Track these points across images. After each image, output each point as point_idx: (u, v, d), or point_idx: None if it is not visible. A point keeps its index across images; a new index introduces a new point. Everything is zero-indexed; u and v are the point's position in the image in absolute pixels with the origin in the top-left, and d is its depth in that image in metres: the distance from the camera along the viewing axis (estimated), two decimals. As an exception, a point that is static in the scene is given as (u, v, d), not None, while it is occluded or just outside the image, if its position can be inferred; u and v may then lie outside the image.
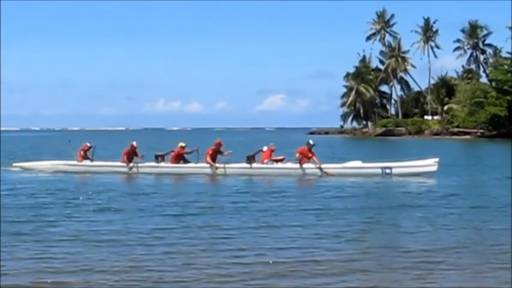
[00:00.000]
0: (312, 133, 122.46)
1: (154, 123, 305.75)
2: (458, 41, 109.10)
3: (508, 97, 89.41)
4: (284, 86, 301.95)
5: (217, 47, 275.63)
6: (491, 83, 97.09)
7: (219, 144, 27.05)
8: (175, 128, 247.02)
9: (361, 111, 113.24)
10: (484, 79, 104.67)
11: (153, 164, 27.33)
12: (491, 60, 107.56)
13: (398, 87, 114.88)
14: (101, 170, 27.44)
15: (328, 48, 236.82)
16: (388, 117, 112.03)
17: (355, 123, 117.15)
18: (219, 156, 26.94)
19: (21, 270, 10.00)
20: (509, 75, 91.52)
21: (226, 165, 26.60)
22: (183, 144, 27.50)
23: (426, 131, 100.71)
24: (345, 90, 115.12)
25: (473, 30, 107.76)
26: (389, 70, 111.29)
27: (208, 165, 26.55)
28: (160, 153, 27.70)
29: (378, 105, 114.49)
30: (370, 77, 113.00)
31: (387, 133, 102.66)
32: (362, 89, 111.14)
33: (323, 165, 26.06)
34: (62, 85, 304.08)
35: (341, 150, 51.21)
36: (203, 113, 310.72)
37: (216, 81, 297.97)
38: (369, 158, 28.68)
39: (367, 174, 25.46)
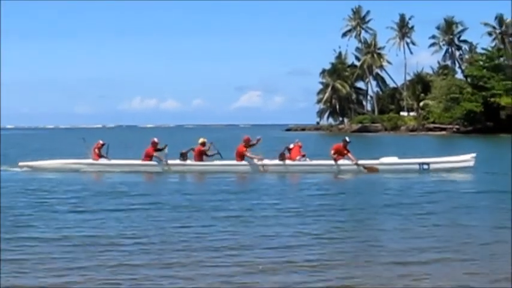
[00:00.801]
0: (288, 130, 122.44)
1: (130, 121, 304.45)
2: (433, 37, 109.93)
3: (484, 93, 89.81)
4: (260, 83, 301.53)
5: (194, 44, 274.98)
6: (466, 79, 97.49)
7: (249, 140, 26.35)
8: (149, 126, 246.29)
9: (337, 107, 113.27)
10: (459, 75, 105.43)
11: (179, 162, 26.18)
12: (466, 56, 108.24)
13: (374, 83, 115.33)
14: (120, 169, 25.87)
15: (304, 45, 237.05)
16: (364, 114, 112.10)
17: (331, 120, 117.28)
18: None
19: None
20: (484, 71, 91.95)
21: (262, 162, 25.86)
22: (204, 140, 26.46)
23: (402, 127, 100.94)
24: (321, 86, 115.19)
25: (448, 27, 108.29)
26: (365, 66, 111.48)
27: (237, 163, 25.88)
28: (184, 151, 26.37)
29: (354, 102, 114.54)
30: (346, 73, 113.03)
31: (363, 129, 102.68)
32: (338, 85, 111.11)
33: (359, 162, 25.70)
34: (36, 83, 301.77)
35: (319, 147, 50.75)
36: (179, 110, 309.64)
37: (192, 78, 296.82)
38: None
39: (404, 170, 25.22)
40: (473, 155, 25.86)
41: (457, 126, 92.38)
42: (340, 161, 25.67)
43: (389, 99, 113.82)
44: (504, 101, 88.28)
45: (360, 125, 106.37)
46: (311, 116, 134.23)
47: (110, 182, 22.67)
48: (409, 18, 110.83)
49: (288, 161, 25.83)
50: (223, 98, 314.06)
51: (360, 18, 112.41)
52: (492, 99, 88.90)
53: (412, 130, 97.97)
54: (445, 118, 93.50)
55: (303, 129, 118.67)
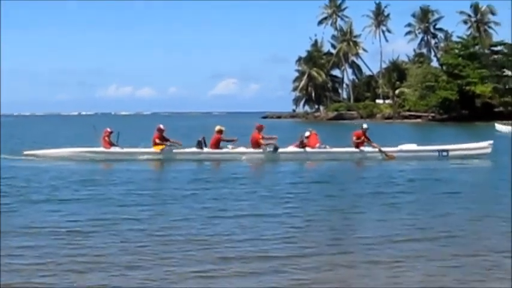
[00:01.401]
0: (264, 117, 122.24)
1: (106, 108, 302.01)
2: (409, 25, 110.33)
3: (459, 81, 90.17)
4: (237, 71, 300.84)
5: (170, 32, 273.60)
6: (442, 67, 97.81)
7: (262, 127, 26.03)
8: (124, 113, 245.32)
9: (313, 95, 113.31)
10: (435, 63, 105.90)
11: (195, 150, 25.50)
12: (442, 45, 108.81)
13: (350, 71, 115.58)
14: (133, 158, 25.01)
15: (281, 33, 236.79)
16: (340, 101, 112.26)
17: (307, 107, 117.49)
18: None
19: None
20: (459, 59, 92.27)
21: (280, 150, 25.64)
22: (221, 128, 25.89)
23: (378, 115, 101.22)
24: (297, 74, 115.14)
25: (424, 15, 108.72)
26: (341, 54, 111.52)
27: (255, 151, 25.43)
28: (200, 139, 25.62)
29: (329, 89, 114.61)
30: (322, 61, 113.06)
31: (339, 117, 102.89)
32: (314, 73, 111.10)
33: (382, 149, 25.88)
34: (13, 72, 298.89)
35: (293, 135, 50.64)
36: (155, 98, 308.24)
37: (168, 66, 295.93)
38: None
39: (423, 157, 25.45)
40: (491, 142, 26.26)
41: (432, 114, 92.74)
42: (361, 148, 25.94)
43: (365, 87, 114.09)
44: (479, 89, 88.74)
45: (335, 112, 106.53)
46: (287, 104, 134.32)
47: (124, 171, 21.80)
48: (385, 6, 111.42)
49: (308, 149, 25.77)
50: (199, 85, 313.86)
51: (335, 6, 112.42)
52: (467, 88, 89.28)
53: (388, 118, 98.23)
54: (420, 106, 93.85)
55: (279, 117, 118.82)
